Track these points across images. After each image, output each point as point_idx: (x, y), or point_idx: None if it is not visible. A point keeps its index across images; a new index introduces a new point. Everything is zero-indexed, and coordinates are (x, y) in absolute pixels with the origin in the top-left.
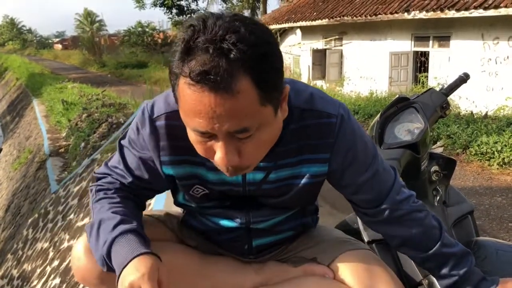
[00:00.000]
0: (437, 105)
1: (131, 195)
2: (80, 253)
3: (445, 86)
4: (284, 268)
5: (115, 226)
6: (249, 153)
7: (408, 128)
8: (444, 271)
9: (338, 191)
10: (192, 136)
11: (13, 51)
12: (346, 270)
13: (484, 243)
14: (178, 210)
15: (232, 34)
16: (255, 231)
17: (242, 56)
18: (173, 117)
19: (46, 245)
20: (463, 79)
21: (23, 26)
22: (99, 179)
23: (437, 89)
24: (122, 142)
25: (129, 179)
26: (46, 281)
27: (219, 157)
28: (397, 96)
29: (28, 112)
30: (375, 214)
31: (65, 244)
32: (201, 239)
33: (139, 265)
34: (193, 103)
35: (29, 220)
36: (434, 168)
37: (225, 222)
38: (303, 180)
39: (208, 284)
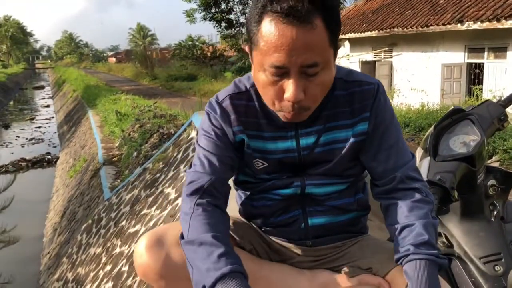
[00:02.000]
0: (494, 117)
1: (220, 196)
2: (142, 250)
3: (503, 97)
4: (338, 277)
5: (219, 258)
6: (312, 93)
7: (463, 140)
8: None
9: (363, 158)
10: (264, 79)
11: (71, 64)
12: (401, 282)
13: None
14: (233, 214)
15: None
16: (310, 211)
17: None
18: (234, 97)
19: (99, 250)
20: None
21: (80, 40)
22: (189, 179)
23: (494, 100)
24: (197, 139)
25: (212, 158)
26: (99, 285)
27: (290, 92)
28: (452, 107)
29: (84, 122)
30: (385, 183)
31: (117, 250)
32: (255, 238)
33: None
34: (276, 37)
35: (83, 226)
36: (491, 182)
37: (282, 192)
38: (350, 140)
39: None
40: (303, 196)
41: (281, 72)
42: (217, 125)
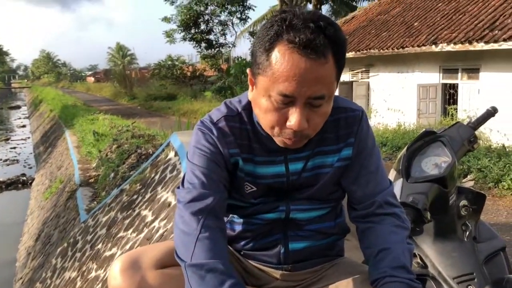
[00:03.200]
0: (464, 138)
1: (221, 215)
2: (116, 273)
3: (473, 119)
4: None
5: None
6: (314, 122)
7: (435, 162)
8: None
9: (344, 182)
10: (268, 105)
11: (48, 83)
12: None
13: None
14: None
15: (324, 18)
16: (291, 236)
17: (333, 34)
18: (229, 119)
19: (74, 274)
20: (491, 112)
21: (58, 60)
22: (188, 198)
23: (465, 122)
24: (189, 157)
25: (211, 175)
26: None
27: (294, 121)
28: (424, 130)
29: (61, 143)
30: (364, 207)
31: (93, 274)
32: (234, 264)
33: None
34: (289, 67)
35: (58, 249)
36: (463, 202)
37: (267, 216)
38: (335, 165)
39: None
40: (286, 221)
41: (288, 101)
42: (214, 144)
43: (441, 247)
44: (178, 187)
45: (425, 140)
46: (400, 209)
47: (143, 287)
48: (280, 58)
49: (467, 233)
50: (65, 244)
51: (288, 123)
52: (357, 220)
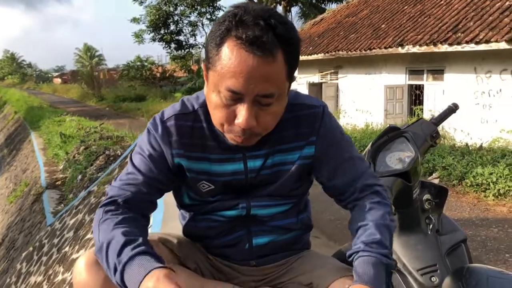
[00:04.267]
0: (427, 134)
1: (136, 211)
2: (81, 268)
3: (435, 116)
4: None
5: (121, 249)
6: (263, 121)
7: (399, 157)
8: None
9: (320, 180)
10: (217, 101)
11: (13, 85)
12: None
13: (475, 270)
14: (176, 233)
15: (275, 16)
16: (255, 231)
17: (284, 33)
18: (180, 118)
19: (40, 278)
20: (452, 109)
21: (23, 60)
22: (111, 192)
23: (427, 119)
24: (132, 155)
25: (140, 179)
26: None
27: (242, 118)
28: (388, 126)
29: (26, 145)
30: (347, 196)
31: (59, 277)
32: (200, 258)
33: (155, 275)
34: (237, 63)
35: (23, 254)
36: (426, 196)
37: (227, 213)
38: (296, 163)
39: None
40: (247, 217)
41: (236, 97)
42: (155, 145)
43: (405, 240)
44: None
45: (389, 136)
46: (382, 187)
47: (109, 284)
48: (228, 53)
49: (431, 226)
50: (31, 248)
51: (236, 121)
52: (344, 206)
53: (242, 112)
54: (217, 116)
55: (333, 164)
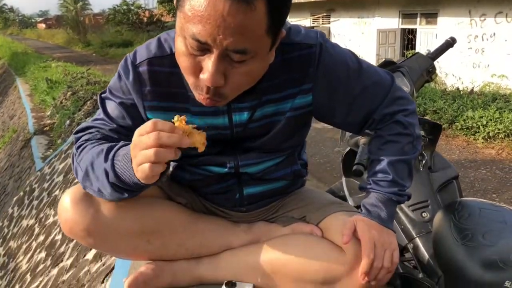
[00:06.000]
0: (423, 69)
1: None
2: (67, 204)
3: (432, 50)
4: (272, 227)
5: (106, 156)
6: (234, 81)
7: None
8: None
9: (329, 123)
10: (182, 48)
11: None
12: (334, 229)
13: (467, 203)
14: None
15: None
16: (246, 180)
17: None
18: (155, 63)
19: (31, 222)
20: (450, 43)
21: (5, 4)
22: (78, 132)
23: (424, 53)
24: (103, 95)
25: (112, 126)
26: (32, 256)
27: (206, 74)
28: (384, 59)
29: (12, 91)
30: (366, 128)
31: (51, 220)
32: (191, 196)
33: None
34: (204, 6)
35: (14, 198)
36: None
37: (214, 169)
38: (288, 114)
39: (197, 242)
40: (237, 173)
41: (202, 48)
42: (127, 93)
43: None
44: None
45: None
46: (404, 111)
47: (97, 220)
48: None
49: (423, 162)
50: (21, 193)
51: (201, 75)
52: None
53: (208, 66)
54: (182, 66)
55: (344, 104)
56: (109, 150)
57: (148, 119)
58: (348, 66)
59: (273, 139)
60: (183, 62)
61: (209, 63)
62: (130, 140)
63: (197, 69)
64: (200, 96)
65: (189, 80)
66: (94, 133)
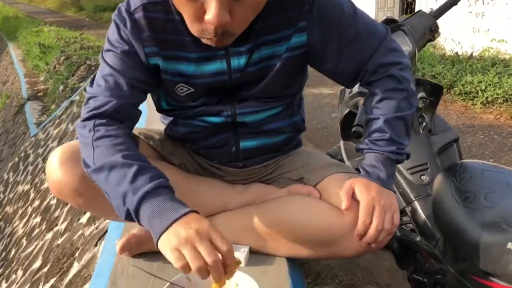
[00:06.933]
0: (426, 27)
1: (127, 124)
2: (55, 165)
3: (435, 9)
4: (269, 189)
5: (136, 176)
6: (239, 16)
7: None
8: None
9: (321, 70)
10: None
11: None
12: (332, 191)
13: (469, 165)
14: (158, 128)
15: None
16: (242, 133)
17: None
18: (150, 9)
19: (27, 187)
20: (453, 1)
21: None
22: (89, 99)
23: (426, 11)
24: (103, 53)
25: (123, 80)
26: (28, 220)
27: (212, 13)
28: (385, 17)
29: (4, 57)
30: (359, 80)
31: (46, 185)
32: (184, 156)
33: (197, 218)
34: None
35: (9, 164)
36: (421, 94)
37: (211, 119)
38: (284, 55)
39: (191, 204)
40: (235, 123)
41: None
42: (127, 40)
43: None
44: (86, 89)
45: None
46: (399, 65)
47: (86, 180)
48: None
49: (423, 125)
50: (16, 159)
51: (206, 17)
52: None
53: (211, 6)
54: (185, 14)
55: (336, 48)
56: (140, 171)
57: (150, 65)
58: (343, 10)
59: (270, 85)
60: (186, 9)
61: (211, 3)
62: (138, 93)
63: (201, 12)
64: (207, 40)
65: (194, 27)
66: (109, 98)
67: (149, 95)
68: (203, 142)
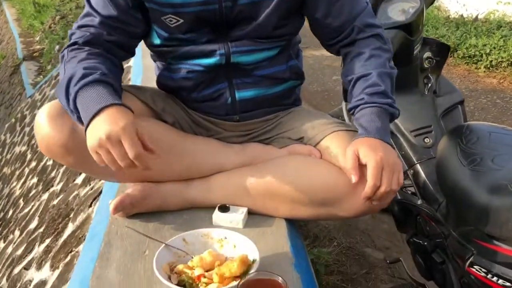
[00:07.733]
0: None
1: (104, 50)
2: (43, 120)
3: None
4: (267, 149)
5: (81, 78)
6: None
7: (402, 8)
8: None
9: (310, 18)
10: None
11: None
12: (333, 150)
13: (476, 126)
14: (152, 85)
15: None
16: (237, 84)
17: None
18: None
19: (24, 148)
20: None
21: None
22: (71, 35)
23: None
24: None
25: (98, 19)
26: (25, 181)
27: None
28: None
29: None
30: (344, 37)
31: None
32: (178, 112)
33: (115, 116)
34: None
35: (6, 125)
36: (427, 54)
37: (204, 61)
38: None
39: (185, 163)
40: (228, 66)
41: None
42: None
43: (400, 100)
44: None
45: None
46: (381, 29)
47: (76, 137)
48: None
49: (429, 85)
50: (13, 120)
51: None
52: (338, 51)
53: None
54: None
55: (328, 1)
56: (85, 74)
57: (134, 6)
58: None
59: (264, 23)
60: None
61: None
62: (117, 33)
63: None
64: None
65: None
66: (84, 32)
67: (145, 57)
68: (196, 94)
